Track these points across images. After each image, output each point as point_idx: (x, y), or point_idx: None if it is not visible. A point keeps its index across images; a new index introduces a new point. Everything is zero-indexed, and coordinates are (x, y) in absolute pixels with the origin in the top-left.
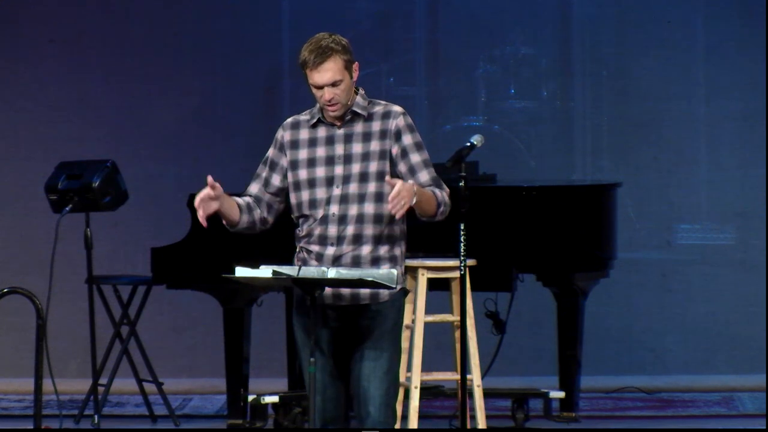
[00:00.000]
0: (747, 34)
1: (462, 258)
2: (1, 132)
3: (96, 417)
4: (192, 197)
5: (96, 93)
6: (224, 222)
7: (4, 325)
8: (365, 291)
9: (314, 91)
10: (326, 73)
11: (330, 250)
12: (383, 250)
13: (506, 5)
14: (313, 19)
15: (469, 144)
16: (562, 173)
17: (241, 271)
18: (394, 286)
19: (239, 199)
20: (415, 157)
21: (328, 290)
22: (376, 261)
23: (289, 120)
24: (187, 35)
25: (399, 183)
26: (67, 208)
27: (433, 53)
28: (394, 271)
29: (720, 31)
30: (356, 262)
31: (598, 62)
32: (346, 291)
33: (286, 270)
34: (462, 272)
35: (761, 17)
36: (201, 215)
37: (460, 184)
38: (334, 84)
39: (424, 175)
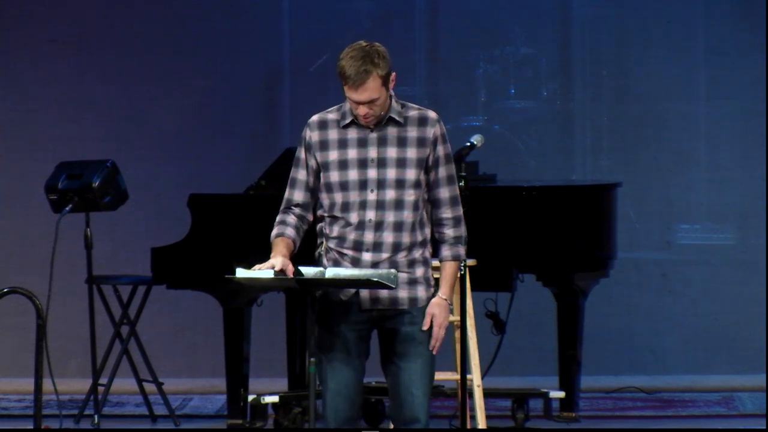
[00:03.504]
0: (747, 34)
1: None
2: (1, 132)
3: (96, 417)
4: (192, 197)
5: (96, 93)
6: None
7: (4, 325)
8: (403, 295)
9: (350, 102)
10: (364, 93)
11: (367, 256)
12: (418, 253)
13: (506, 5)
14: (313, 19)
15: (469, 144)
16: (562, 173)
17: (242, 272)
18: (394, 286)
19: (291, 231)
20: (443, 171)
21: (364, 293)
22: (411, 264)
23: (315, 118)
24: (187, 35)
25: (436, 326)
26: (67, 208)
27: (433, 53)
28: (393, 271)
29: (720, 31)
30: (393, 267)
31: (598, 62)
32: (384, 295)
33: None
34: (462, 272)
35: (761, 17)
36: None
37: (460, 184)
38: (370, 101)
39: (444, 192)
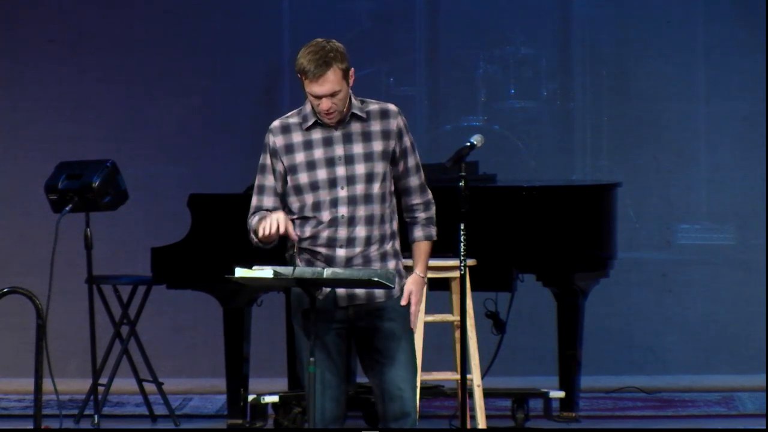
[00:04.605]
0: (747, 34)
1: (462, 258)
2: (1, 132)
3: (96, 417)
4: (192, 197)
5: (96, 93)
6: (260, 241)
7: (4, 325)
8: (379, 290)
9: (311, 98)
10: (325, 85)
11: (341, 252)
12: (388, 246)
13: (506, 5)
14: (313, 19)
15: (469, 144)
16: (562, 173)
17: (241, 272)
18: (393, 285)
19: None
20: (410, 161)
21: (341, 290)
22: (383, 257)
23: (276, 123)
24: (188, 35)
25: (413, 304)
26: (67, 208)
27: (433, 53)
28: (392, 270)
29: (720, 31)
30: (367, 262)
31: (598, 62)
32: (360, 290)
33: (284, 270)
34: (462, 272)
35: (761, 17)
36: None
37: (460, 184)
38: (332, 94)
39: (414, 180)
